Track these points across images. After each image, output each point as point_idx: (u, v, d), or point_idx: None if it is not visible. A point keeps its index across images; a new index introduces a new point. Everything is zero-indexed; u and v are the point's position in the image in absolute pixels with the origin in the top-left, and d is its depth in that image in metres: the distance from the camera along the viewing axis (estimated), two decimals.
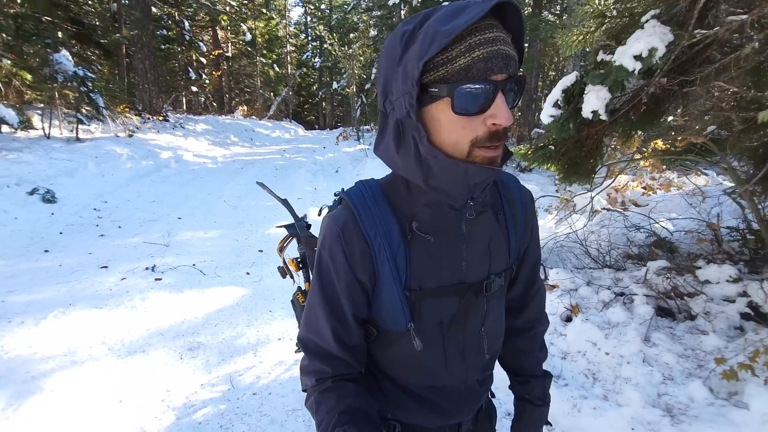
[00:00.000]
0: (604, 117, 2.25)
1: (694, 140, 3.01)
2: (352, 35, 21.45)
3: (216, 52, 17.12)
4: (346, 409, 0.63)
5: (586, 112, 2.27)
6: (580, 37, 2.46)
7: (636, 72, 1.94)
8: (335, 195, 0.70)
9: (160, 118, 11.05)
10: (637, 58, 1.92)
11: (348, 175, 7.68)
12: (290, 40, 24.56)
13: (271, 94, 22.03)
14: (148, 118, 10.61)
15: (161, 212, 4.96)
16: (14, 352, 2.08)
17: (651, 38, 1.91)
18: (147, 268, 3.19)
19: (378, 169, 7.12)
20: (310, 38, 29.09)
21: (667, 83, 2.26)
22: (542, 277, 0.61)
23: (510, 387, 0.90)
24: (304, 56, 27.79)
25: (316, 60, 26.86)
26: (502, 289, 0.73)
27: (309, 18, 30.64)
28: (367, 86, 15.23)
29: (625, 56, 1.95)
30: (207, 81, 17.17)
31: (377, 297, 0.66)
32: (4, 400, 1.75)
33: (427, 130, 0.56)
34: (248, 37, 17.40)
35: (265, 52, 19.66)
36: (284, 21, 25.04)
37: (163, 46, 14.24)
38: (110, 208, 5.04)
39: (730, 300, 2.19)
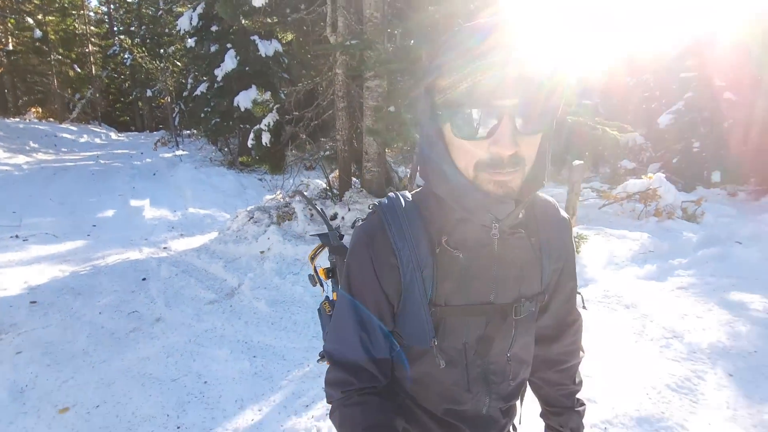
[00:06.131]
0: (269, 145, 5.67)
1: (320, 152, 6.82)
2: (165, 38, 22.08)
3: None
4: (370, 425, 0.67)
5: (264, 142, 5.66)
6: (261, 108, 5.87)
7: (267, 129, 5.38)
8: (369, 208, 0.73)
9: None
10: (266, 125, 5.36)
11: (163, 177, 9.93)
12: (92, 39, 23.43)
13: (69, 91, 20.98)
14: None
15: None
16: None
17: (271, 116, 5.38)
18: (12, 237, 5.31)
19: (189, 172, 9.63)
20: (116, 29, 27.71)
21: (295, 131, 5.82)
22: (581, 307, 0.88)
23: (541, 415, 0.93)
24: (111, 51, 26.52)
25: (126, 56, 26.01)
26: (533, 315, 0.76)
27: (112, 7, 29.08)
28: (185, 93, 16.52)
29: (263, 124, 5.38)
30: None
31: (402, 310, 0.70)
32: None
33: (447, 148, 0.61)
34: (38, 33, 16.85)
35: (61, 50, 18.94)
36: (83, 12, 23.63)
37: None
38: None
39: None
